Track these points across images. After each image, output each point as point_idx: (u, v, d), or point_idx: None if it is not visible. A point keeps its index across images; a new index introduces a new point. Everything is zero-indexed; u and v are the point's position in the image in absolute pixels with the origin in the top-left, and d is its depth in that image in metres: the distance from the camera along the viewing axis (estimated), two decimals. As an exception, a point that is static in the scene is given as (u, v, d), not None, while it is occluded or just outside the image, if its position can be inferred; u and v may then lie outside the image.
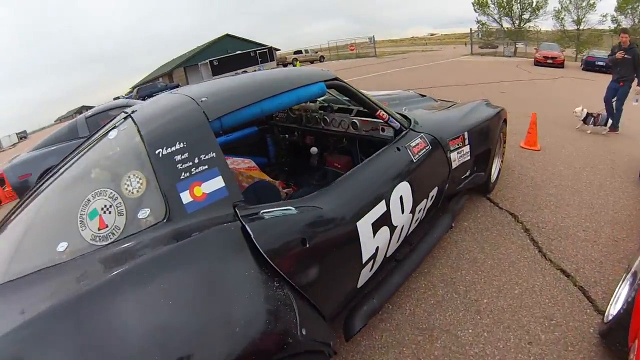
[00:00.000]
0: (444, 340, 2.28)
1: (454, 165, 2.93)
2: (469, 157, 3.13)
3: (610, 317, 2.15)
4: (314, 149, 3.54)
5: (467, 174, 3.31)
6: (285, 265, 1.51)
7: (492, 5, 33.23)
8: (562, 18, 30.27)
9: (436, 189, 2.74)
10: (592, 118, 6.21)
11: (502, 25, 33.39)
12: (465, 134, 3.10)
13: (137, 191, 1.52)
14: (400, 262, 2.56)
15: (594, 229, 3.29)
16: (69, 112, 75.38)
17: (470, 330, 2.33)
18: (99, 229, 1.46)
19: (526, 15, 31.86)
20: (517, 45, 29.80)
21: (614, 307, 2.18)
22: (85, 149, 1.93)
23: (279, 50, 44.61)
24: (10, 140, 41.47)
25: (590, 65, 17.59)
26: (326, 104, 3.47)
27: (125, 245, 1.42)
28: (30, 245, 1.65)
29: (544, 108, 7.59)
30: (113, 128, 1.90)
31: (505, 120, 4.03)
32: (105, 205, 1.50)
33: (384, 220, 2.12)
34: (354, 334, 2.05)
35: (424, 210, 2.65)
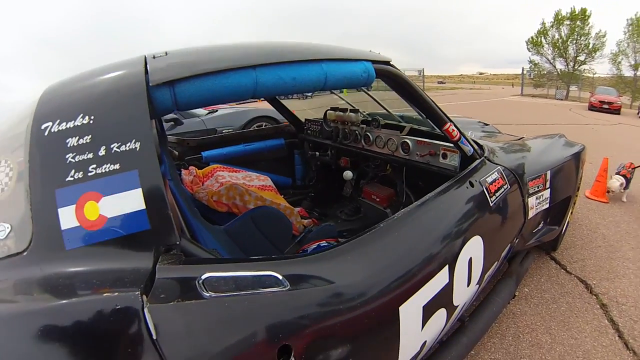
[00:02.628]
0: None
1: (530, 214, 2.17)
2: (547, 205, 2.38)
3: None
4: (347, 173, 2.89)
5: (540, 226, 2.55)
6: None
7: (547, 45, 32.31)
8: (619, 62, 28.92)
9: (509, 246, 2.01)
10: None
11: (555, 67, 32.24)
12: (548, 174, 2.34)
13: (2, 189, 0.94)
14: (444, 345, 1.74)
15: None
16: None
17: None
18: None
19: (581, 57, 30.66)
20: (569, 89, 28.53)
21: None
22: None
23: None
24: None
25: (649, 113, 16.53)
26: (370, 118, 2.81)
27: None
28: None
29: (606, 155, 6.71)
30: None
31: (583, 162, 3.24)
32: None
33: (443, 298, 1.36)
34: None
35: (491, 276, 1.92)
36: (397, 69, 1.58)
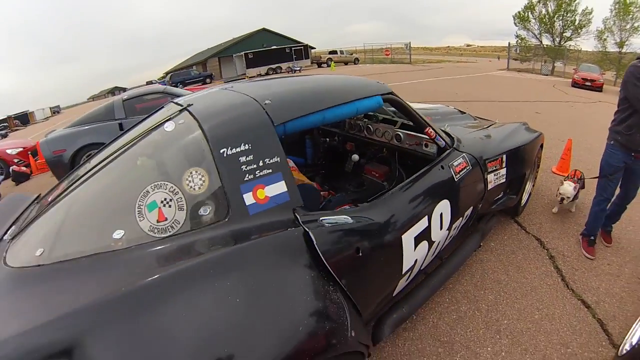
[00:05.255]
0: (464, 355, 2.40)
1: (489, 186, 2.99)
2: (504, 180, 3.20)
3: (624, 352, 2.21)
4: (355, 156, 3.62)
5: (500, 195, 3.39)
6: (339, 272, 1.61)
7: (533, 20, 33.16)
8: (605, 39, 29.92)
9: (471, 208, 2.82)
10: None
11: (541, 42, 33.14)
12: (504, 156, 3.17)
13: (199, 188, 1.59)
14: (429, 276, 2.66)
15: (618, 264, 3.31)
16: (102, 92, 78.34)
17: (489, 349, 2.44)
18: (157, 221, 1.52)
19: (567, 34, 31.70)
20: (555, 64, 29.29)
21: (630, 342, 2.25)
22: (137, 138, 1.95)
23: (314, 48, 44.75)
24: (43, 114, 42.47)
25: (630, 91, 17.03)
26: (371, 113, 3.58)
27: (185, 240, 1.49)
28: (80, 229, 1.67)
29: (579, 133, 7.54)
30: (168, 119, 1.93)
31: (541, 145, 4.08)
32: (165, 199, 1.55)
33: (425, 235, 2.21)
34: (382, 339, 2.15)
35: (458, 227, 2.73)
36: (396, 96, 2.51)
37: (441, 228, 2.37)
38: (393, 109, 3.53)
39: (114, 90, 71.87)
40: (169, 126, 1.88)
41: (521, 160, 3.46)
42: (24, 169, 8.74)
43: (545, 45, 32.61)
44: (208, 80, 34.51)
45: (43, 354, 1.14)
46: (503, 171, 3.17)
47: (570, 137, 5.73)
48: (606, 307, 2.80)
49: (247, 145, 1.67)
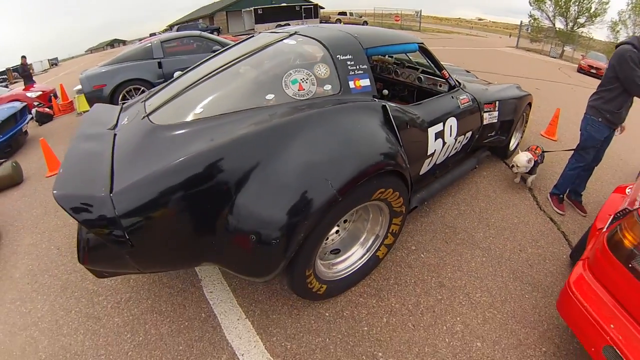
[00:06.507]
0: (463, 235, 3.52)
1: (484, 122, 3.99)
2: (496, 120, 4.20)
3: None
4: (385, 91, 4.52)
5: (493, 133, 4.38)
6: (399, 133, 2.60)
7: (549, 2, 33.34)
8: (617, 31, 30.54)
9: (470, 132, 3.79)
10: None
11: (554, 24, 33.40)
12: (497, 102, 4.18)
13: (324, 75, 2.56)
14: (438, 177, 3.71)
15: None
16: (101, 44, 78.13)
17: (481, 234, 3.56)
18: (298, 90, 2.44)
19: (581, 20, 31.92)
20: (564, 49, 29.60)
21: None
22: (255, 50, 2.88)
23: (323, 8, 44.86)
24: (42, 66, 42.31)
25: (631, 85, 17.46)
26: (398, 61, 4.62)
27: (315, 101, 2.41)
28: (236, 95, 2.58)
29: (572, 110, 8.42)
30: (284, 38, 2.93)
31: (530, 104, 5.11)
32: (303, 78, 2.50)
33: (440, 135, 3.22)
34: (409, 209, 3.08)
35: (460, 144, 3.70)
36: (425, 46, 3.50)
37: (450, 135, 3.37)
38: (414, 59, 4.59)
39: (113, 43, 71.21)
40: (290, 41, 2.92)
41: (510, 109, 4.47)
42: (47, 110, 9.51)
43: (557, 29, 32.94)
44: (215, 33, 34.64)
45: (217, 169, 1.93)
46: (495, 113, 4.19)
47: (559, 107, 6.80)
48: (569, 226, 3.85)
49: (350, 55, 2.67)
